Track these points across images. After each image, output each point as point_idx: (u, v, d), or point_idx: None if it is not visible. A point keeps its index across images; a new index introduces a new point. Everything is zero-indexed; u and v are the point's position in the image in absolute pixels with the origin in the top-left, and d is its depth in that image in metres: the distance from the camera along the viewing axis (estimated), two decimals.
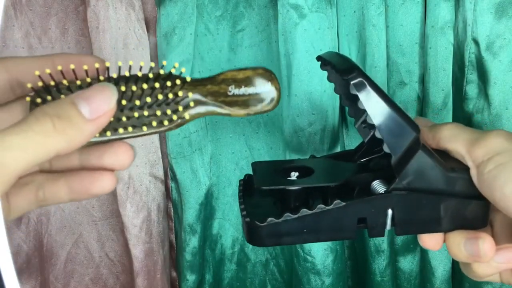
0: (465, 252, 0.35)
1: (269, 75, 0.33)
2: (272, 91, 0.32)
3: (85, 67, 0.30)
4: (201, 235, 0.59)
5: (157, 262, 0.58)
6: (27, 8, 0.53)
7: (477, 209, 0.36)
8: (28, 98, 0.30)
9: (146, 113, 0.31)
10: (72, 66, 0.29)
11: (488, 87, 0.52)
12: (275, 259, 0.65)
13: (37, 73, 0.29)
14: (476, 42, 0.51)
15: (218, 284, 0.64)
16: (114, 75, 0.31)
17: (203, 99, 0.32)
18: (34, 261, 0.58)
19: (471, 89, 0.53)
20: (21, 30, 0.53)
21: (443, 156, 0.36)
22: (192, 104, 0.32)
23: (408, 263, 0.61)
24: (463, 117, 0.54)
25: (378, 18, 0.51)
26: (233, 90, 0.32)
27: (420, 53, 0.54)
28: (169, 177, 0.59)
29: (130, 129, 0.30)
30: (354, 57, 0.54)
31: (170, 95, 0.31)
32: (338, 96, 0.54)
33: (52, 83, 0.30)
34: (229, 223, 0.63)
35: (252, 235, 0.36)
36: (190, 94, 0.32)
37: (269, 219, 0.35)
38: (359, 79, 0.33)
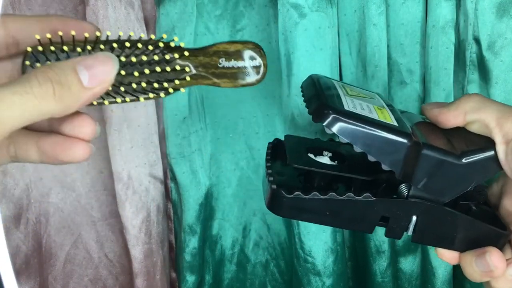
0: (478, 270, 0.34)
1: (259, 51, 0.34)
2: (260, 66, 0.34)
3: (86, 34, 0.30)
4: (201, 236, 0.59)
5: (157, 263, 0.58)
6: (25, 8, 0.53)
7: (498, 237, 0.35)
8: (27, 62, 0.30)
9: (144, 84, 0.31)
10: (73, 33, 0.30)
11: (489, 86, 0.51)
12: (275, 260, 0.65)
13: (37, 37, 0.29)
14: (477, 41, 0.51)
15: (218, 285, 0.64)
16: (115, 45, 0.31)
17: (195, 70, 0.33)
18: (33, 262, 0.58)
19: (473, 89, 0.53)
20: None
21: (464, 138, 0.35)
22: (188, 78, 0.33)
23: (409, 263, 0.60)
24: None
25: (379, 17, 0.51)
26: (223, 62, 0.33)
27: (421, 53, 0.54)
28: (169, 177, 0.59)
29: (127, 99, 0.31)
30: (354, 57, 0.54)
31: (168, 69, 0.32)
32: None
33: (52, 48, 0.30)
34: (229, 224, 0.63)
35: (275, 203, 0.35)
36: (188, 69, 0.33)
37: (296, 192, 0.34)
38: (328, 119, 0.32)
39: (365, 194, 0.34)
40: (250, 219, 0.63)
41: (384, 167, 0.33)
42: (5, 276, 0.23)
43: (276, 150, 0.40)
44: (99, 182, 0.59)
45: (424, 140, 0.34)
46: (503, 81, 0.51)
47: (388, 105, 0.37)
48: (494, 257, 0.33)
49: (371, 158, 0.33)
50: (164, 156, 0.58)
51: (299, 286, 0.58)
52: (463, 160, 0.34)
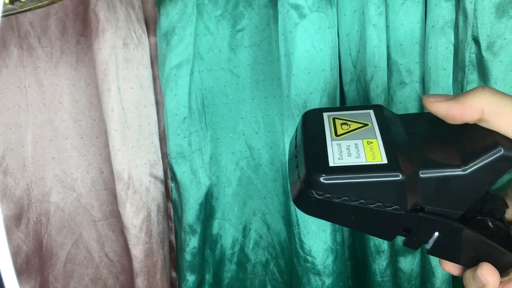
0: (474, 284, 0.34)
1: None
2: None
3: None
4: (201, 235, 0.59)
5: (157, 262, 0.58)
6: None
7: (508, 259, 0.35)
8: None
9: None
10: None
11: None
12: (275, 260, 0.65)
13: None
14: (476, 42, 0.51)
15: (218, 284, 0.64)
16: None
17: None
18: (33, 262, 0.58)
19: None
20: (20, 29, 0.53)
21: (465, 132, 0.33)
22: None
23: (408, 263, 0.60)
24: None
25: (378, 18, 0.51)
26: None
27: (421, 53, 0.54)
28: (169, 177, 0.59)
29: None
30: (354, 57, 0.54)
31: None
32: (338, 96, 0.54)
33: None
34: (229, 223, 0.63)
35: (301, 201, 0.34)
36: None
37: (327, 195, 0.32)
38: (311, 200, 0.32)
39: (394, 207, 0.33)
40: (250, 218, 0.63)
41: (389, 208, 0.32)
42: (6, 276, 0.23)
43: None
44: (100, 181, 0.59)
45: (420, 152, 0.33)
46: (502, 81, 0.51)
47: (381, 127, 0.36)
48: (484, 271, 0.33)
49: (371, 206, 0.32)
50: (165, 156, 0.58)
51: (299, 285, 0.59)
52: (466, 169, 0.31)
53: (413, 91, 0.55)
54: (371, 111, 0.38)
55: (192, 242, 0.58)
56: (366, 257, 0.59)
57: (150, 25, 0.55)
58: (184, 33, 0.53)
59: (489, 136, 0.32)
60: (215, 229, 0.63)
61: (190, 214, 0.57)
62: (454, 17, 0.51)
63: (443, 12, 0.51)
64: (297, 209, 0.55)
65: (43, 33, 0.54)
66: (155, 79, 0.56)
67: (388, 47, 0.53)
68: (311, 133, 0.36)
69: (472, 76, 0.53)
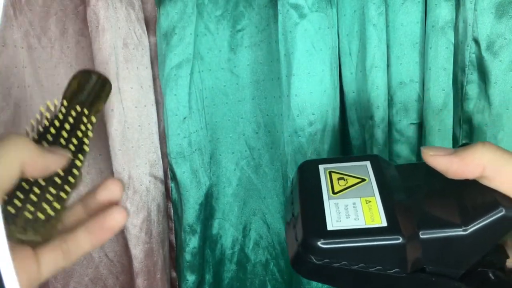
0: None
1: None
2: None
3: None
4: (201, 235, 0.59)
5: (157, 262, 0.58)
6: (26, 8, 0.53)
7: None
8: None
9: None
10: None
11: (488, 87, 0.52)
12: (275, 260, 0.65)
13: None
14: (476, 42, 0.51)
15: (218, 284, 0.64)
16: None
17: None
18: None
19: (472, 89, 0.53)
20: (20, 29, 0.53)
21: (465, 189, 0.32)
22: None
23: None
24: (463, 117, 0.54)
25: (378, 17, 0.51)
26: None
27: (421, 53, 0.54)
28: (169, 177, 0.59)
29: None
30: (354, 57, 0.54)
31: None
32: (338, 96, 0.54)
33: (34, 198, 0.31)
34: (229, 223, 0.63)
35: (299, 265, 0.33)
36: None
37: (326, 260, 0.32)
38: (309, 266, 0.32)
39: (395, 270, 0.32)
40: (250, 218, 0.63)
41: (390, 271, 0.32)
42: (6, 276, 0.23)
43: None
44: (100, 181, 0.59)
45: (420, 210, 0.32)
46: (502, 81, 0.51)
47: (379, 182, 0.35)
48: None
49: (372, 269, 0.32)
50: (165, 156, 0.58)
51: (298, 285, 0.59)
52: (467, 229, 0.30)
53: (413, 91, 0.55)
54: (368, 163, 0.37)
55: (192, 242, 0.58)
56: None
57: (150, 25, 0.55)
58: (184, 33, 0.53)
59: (489, 194, 0.31)
60: (215, 229, 0.63)
61: (190, 214, 0.57)
62: (454, 17, 0.51)
63: (443, 12, 0.51)
64: None
65: (43, 33, 0.54)
66: (155, 79, 0.56)
67: (388, 47, 0.53)
68: (307, 189, 0.36)
69: (472, 76, 0.53)
